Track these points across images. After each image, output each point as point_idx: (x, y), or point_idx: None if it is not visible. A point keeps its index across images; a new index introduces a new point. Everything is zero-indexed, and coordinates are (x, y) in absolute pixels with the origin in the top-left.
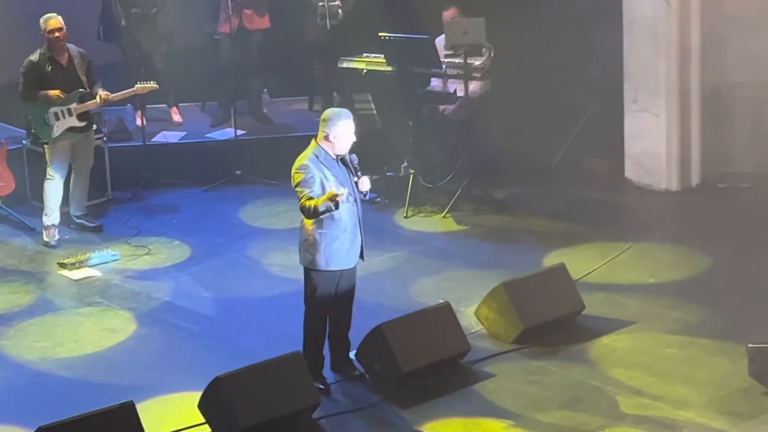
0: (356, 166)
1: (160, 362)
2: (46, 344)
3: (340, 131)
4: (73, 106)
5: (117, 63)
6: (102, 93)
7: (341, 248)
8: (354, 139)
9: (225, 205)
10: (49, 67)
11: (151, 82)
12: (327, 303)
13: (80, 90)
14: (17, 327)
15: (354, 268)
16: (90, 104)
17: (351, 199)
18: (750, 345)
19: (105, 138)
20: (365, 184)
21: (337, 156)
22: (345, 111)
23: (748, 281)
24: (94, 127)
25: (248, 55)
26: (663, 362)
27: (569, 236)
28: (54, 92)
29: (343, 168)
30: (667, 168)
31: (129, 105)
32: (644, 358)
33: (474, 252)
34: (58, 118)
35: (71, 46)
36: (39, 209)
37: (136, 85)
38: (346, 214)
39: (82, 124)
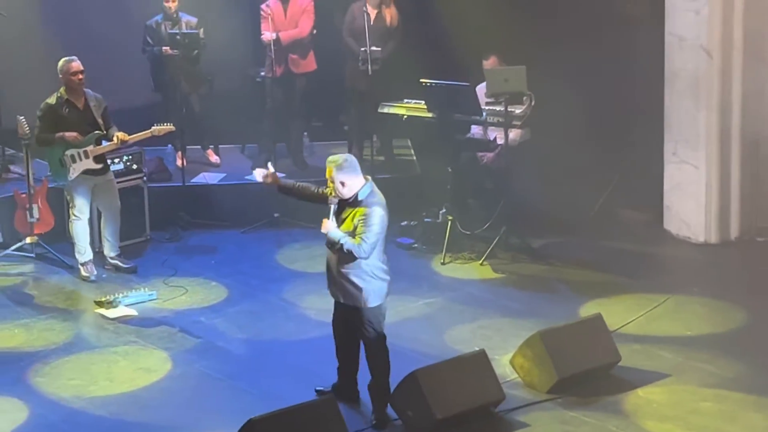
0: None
1: (193, 403)
2: (80, 382)
3: None
4: (90, 148)
5: (156, 104)
6: (119, 134)
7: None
8: (331, 185)
9: (262, 247)
10: (66, 110)
11: (168, 124)
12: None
13: (97, 132)
14: (53, 364)
15: (342, 308)
16: (107, 146)
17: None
18: None
19: (145, 178)
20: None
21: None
22: (329, 157)
23: None
24: (136, 167)
25: (292, 98)
26: (698, 416)
27: (606, 287)
28: (71, 134)
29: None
30: (706, 220)
31: (170, 145)
32: (679, 412)
33: (510, 300)
34: (74, 161)
35: (88, 91)
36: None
37: (153, 127)
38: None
39: (99, 166)
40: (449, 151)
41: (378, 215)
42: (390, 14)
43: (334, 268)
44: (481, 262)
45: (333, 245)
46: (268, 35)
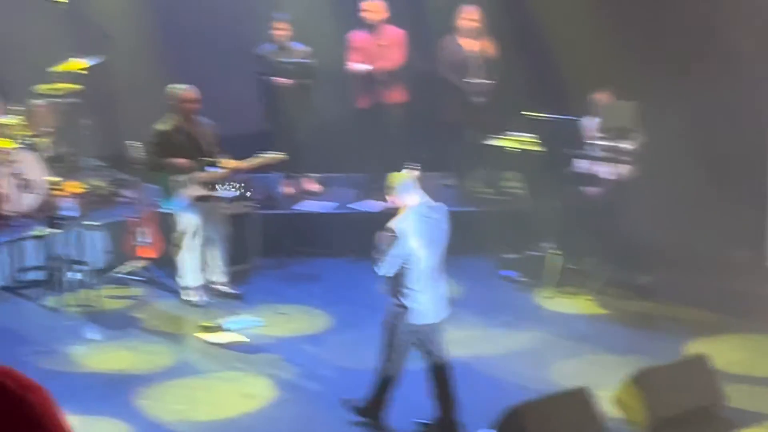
0: None
1: (296, 431)
2: (183, 407)
3: None
4: (199, 174)
5: (266, 132)
6: (228, 161)
7: None
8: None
9: (367, 276)
10: (177, 137)
11: (277, 152)
12: None
13: (206, 159)
14: (156, 388)
15: None
16: (216, 173)
17: None
18: None
19: (252, 205)
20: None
21: None
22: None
23: None
24: (244, 194)
25: (386, 129)
26: None
27: (712, 325)
28: (181, 161)
29: None
30: None
31: (278, 173)
32: None
33: (614, 336)
34: (184, 187)
35: (199, 118)
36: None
37: (262, 155)
38: None
39: (208, 192)
40: (556, 184)
41: (387, 238)
42: (486, 45)
43: None
44: (586, 297)
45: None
46: (357, 66)
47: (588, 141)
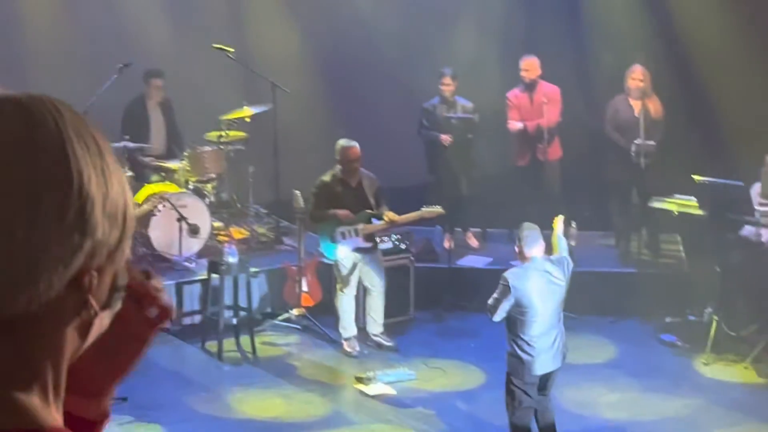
0: None
1: None
2: None
3: None
4: (360, 226)
5: (428, 185)
6: (389, 214)
7: None
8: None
9: None
10: (340, 188)
11: (437, 207)
12: None
13: (368, 211)
14: None
15: None
16: (377, 226)
17: None
18: None
19: (412, 258)
20: None
21: None
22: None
23: None
24: (404, 247)
25: (548, 185)
26: None
27: None
28: (343, 212)
29: None
30: None
31: (438, 227)
32: None
33: None
34: (345, 237)
35: (362, 170)
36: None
37: (422, 209)
38: None
39: (369, 244)
40: (719, 250)
41: (501, 286)
42: (653, 106)
43: None
44: (744, 364)
45: None
46: (514, 124)
47: (754, 206)
